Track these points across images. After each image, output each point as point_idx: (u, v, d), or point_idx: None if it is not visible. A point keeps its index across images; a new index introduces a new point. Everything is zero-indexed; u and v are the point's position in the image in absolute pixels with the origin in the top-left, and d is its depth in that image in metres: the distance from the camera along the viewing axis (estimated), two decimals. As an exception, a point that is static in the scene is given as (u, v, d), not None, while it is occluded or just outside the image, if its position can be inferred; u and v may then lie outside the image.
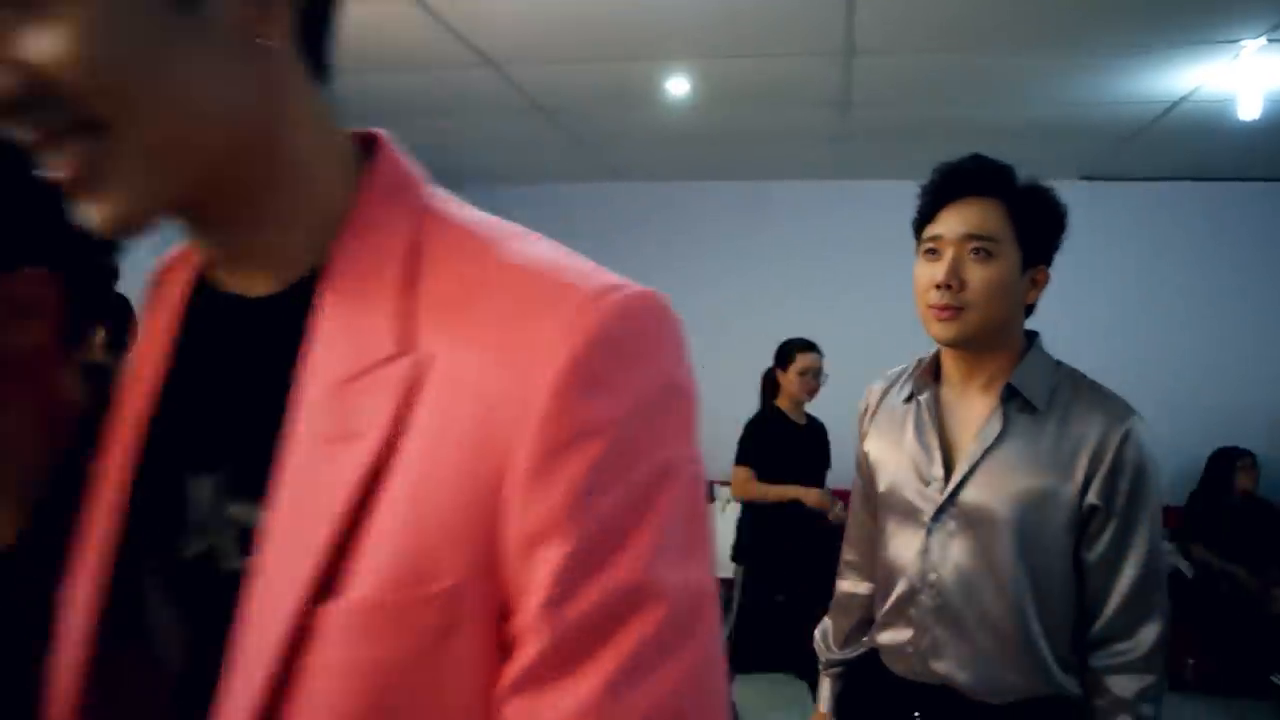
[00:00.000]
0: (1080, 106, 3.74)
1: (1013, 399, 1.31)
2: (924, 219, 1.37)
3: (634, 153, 4.82)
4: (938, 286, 1.29)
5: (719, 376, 5.25)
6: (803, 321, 5.20)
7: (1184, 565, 4.40)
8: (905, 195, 4.92)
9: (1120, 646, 1.25)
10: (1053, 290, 4.94)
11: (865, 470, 1.49)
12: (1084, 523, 1.26)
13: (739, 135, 4.29)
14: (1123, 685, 1.23)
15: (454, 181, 4.48)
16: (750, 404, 5.15)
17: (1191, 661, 4.17)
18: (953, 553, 1.30)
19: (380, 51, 3.22)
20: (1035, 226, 1.32)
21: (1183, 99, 3.56)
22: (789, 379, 3.45)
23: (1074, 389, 1.32)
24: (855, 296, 5.19)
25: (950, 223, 1.31)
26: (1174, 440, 4.83)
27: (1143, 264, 4.94)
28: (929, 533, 1.33)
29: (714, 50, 3.25)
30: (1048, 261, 1.36)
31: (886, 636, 1.39)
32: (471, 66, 3.38)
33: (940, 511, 1.32)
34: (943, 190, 1.34)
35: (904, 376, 1.47)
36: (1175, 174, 4.79)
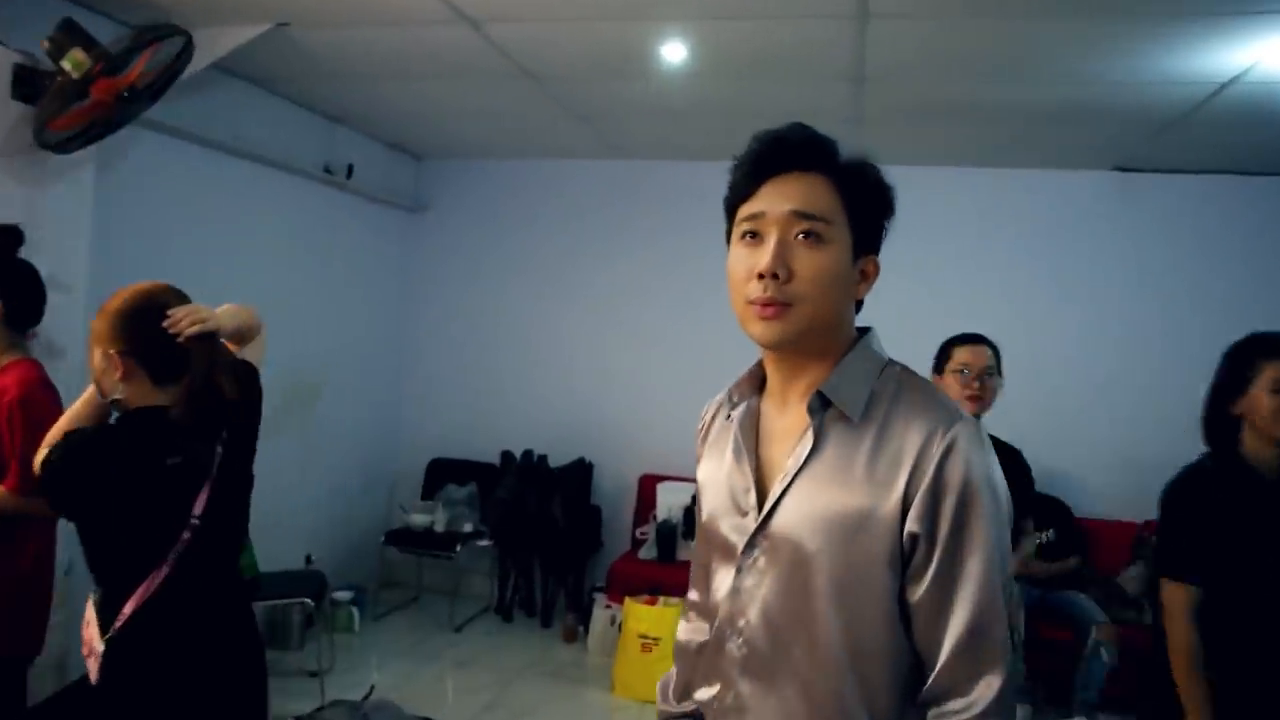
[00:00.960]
0: (1118, 86, 3.40)
1: (826, 409, 1.12)
2: (740, 195, 1.16)
3: (630, 128, 4.54)
4: (760, 276, 1.09)
5: (721, 366, 5.08)
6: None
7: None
8: (922, 182, 4.65)
9: (952, 706, 1.04)
10: (1079, 289, 4.61)
11: (698, 499, 1.31)
12: (906, 557, 1.06)
13: (743, 112, 3.99)
14: None
15: (442, 155, 4.27)
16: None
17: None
18: (762, 594, 1.12)
19: (353, 2, 2.96)
20: (867, 208, 1.15)
21: (1234, 79, 3.22)
22: (946, 382, 3.02)
23: (897, 393, 1.13)
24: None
25: (774, 199, 1.12)
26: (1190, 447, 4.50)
27: (1179, 264, 4.59)
28: (739, 570, 1.15)
29: (713, 9, 2.95)
30: (877, 250, 1.19)
31: (700, 692, 1.22)
32: (447, 23, 3.09)
33: (750, 545, 1.15)
34: (764, 161, 1.14)
35: (737, 419, 1.26)
36: (1220, 166, 4.42)
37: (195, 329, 1.72)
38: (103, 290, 2.15)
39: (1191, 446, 4.45)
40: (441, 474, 5.26)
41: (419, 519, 4.93)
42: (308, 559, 4.63)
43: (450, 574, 5.09)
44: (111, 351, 1.73)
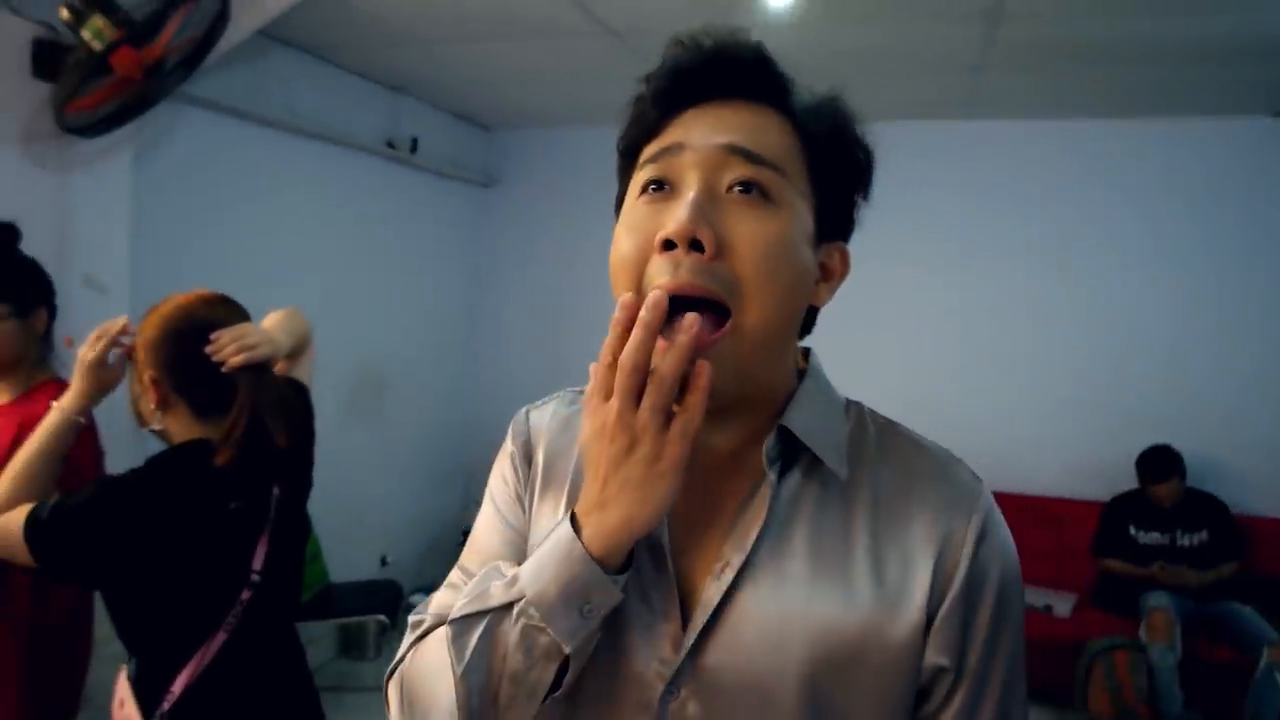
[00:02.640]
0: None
1: (789, 461, 0.74)
2: (644, 129, 0.76)
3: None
4: (667, 245, 0.68)
5: (823, 348, 4.66)
6: (928, 292, 4.49)
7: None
8: (1051, 137, 4.13)
9: None
10: (1232, 256, 3.99)
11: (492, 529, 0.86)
12: (922, 691, 0.71)
13: (857, 62, 3.53)
14: None
15: (513, 125, 3.87)
16: (863, 375, 4.44)
17: None
18: None
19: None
20: (837, 169, 0.76)
21: None
22: None
23: (880, 445, 0.77)
24: (988, 258, 4.40)
25: (698, 129, 0.72)
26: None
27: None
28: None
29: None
30: (846, 237, 0.79)
31: None
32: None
33: (673, 684, 0.71)
34: (688, 76, 0.74)
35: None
36: None
37: (242, 358, 1.44)
38: (146, 291, 1.85)
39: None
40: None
41: (496, 515, 4.64)
42: (383, 560, 4.40)
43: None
44: (147, 377, 1.46)
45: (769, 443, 0.73)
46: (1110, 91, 3.86)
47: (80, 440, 1.66)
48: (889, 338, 4.52)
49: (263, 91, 3.42)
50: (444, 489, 4.98)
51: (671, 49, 0.77)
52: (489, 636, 0.68)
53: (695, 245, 0.68)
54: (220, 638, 1.43)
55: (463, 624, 0.69)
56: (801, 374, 0.79)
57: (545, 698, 0.68)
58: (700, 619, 0.70)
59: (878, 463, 0.76)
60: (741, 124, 0.72)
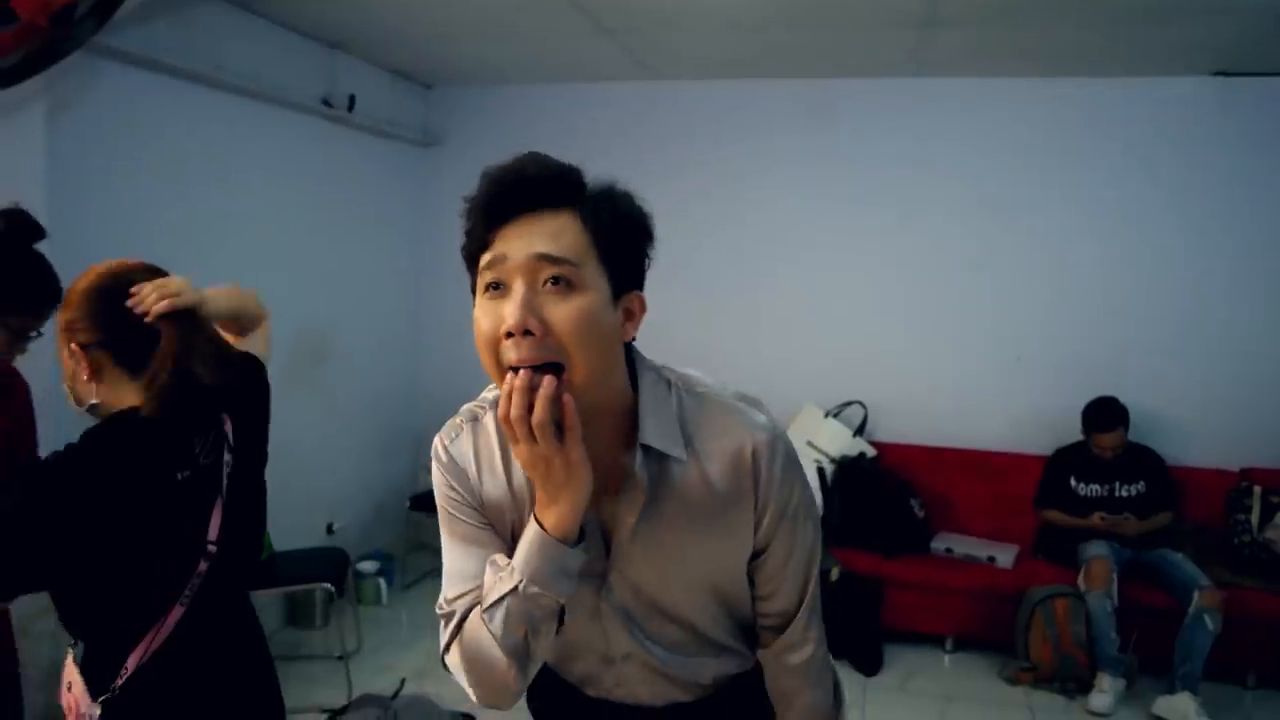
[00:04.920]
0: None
1: (647, 456, 1.09)
2: (478, 243, 1.05)
3: (665, 43, 4.03)
4: (509, 335, 0.98)
5: (765, 307, 4.67)
6: (872, 249, 4.50)
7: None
8: (997, 96, 4.15)
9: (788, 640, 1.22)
10: (1170, 211, 4.08)
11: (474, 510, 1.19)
12: (755, 553, 1.17)
13: (802, 18, 3.49)
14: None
15: (454, 82, 3.76)
16: (810, 333, 4.47)
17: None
18: (628, 607, 1.19)
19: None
20: (620, 241, 1.05)
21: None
22: None
23: (696, 417, 1.12)
24: (935, 216, 4.42)
25: (514, 242, 1.01)
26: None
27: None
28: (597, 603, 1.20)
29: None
30: (640, 284, 1.09)
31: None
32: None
33: (608, 589, 1.17)
34: (501, 201, 1.03)
35: (496, 435, 1.16)
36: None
37: (164, 305, 1.39)
38: (62, 260, 1.73)
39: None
40: (467, 431, 4.91)
41: (445, 481, 4.58)
42: (329, 528, 4.34)
43: (481, 537, 4.78)
44: (74, 346, 1.41)
45: (638, 458, 1.07)
46: (1054, 51, 3.88)
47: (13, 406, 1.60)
48: (834, 295, 4.54)
49: (189, 46, 3.27)
50: (391, 455, 4.91)
51: (483, 181, 1.04)
52: (509, 612, 1.05)
53: (527, 332, 0.97)
54: (177, 612, 1.38)
55: (490, 611, 1.06)
56: (634, 374, 1.11)
57: (556, 632, 1.08)
58: (614, 551, 1.13)
59: (696, 433, 1.11)
60: (545, 232, 1.00)
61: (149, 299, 1.39)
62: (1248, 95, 4.04)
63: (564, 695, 1.28)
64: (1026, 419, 4.34)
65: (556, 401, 0.96)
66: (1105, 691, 3.42)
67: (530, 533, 1.04)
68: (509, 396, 0.97)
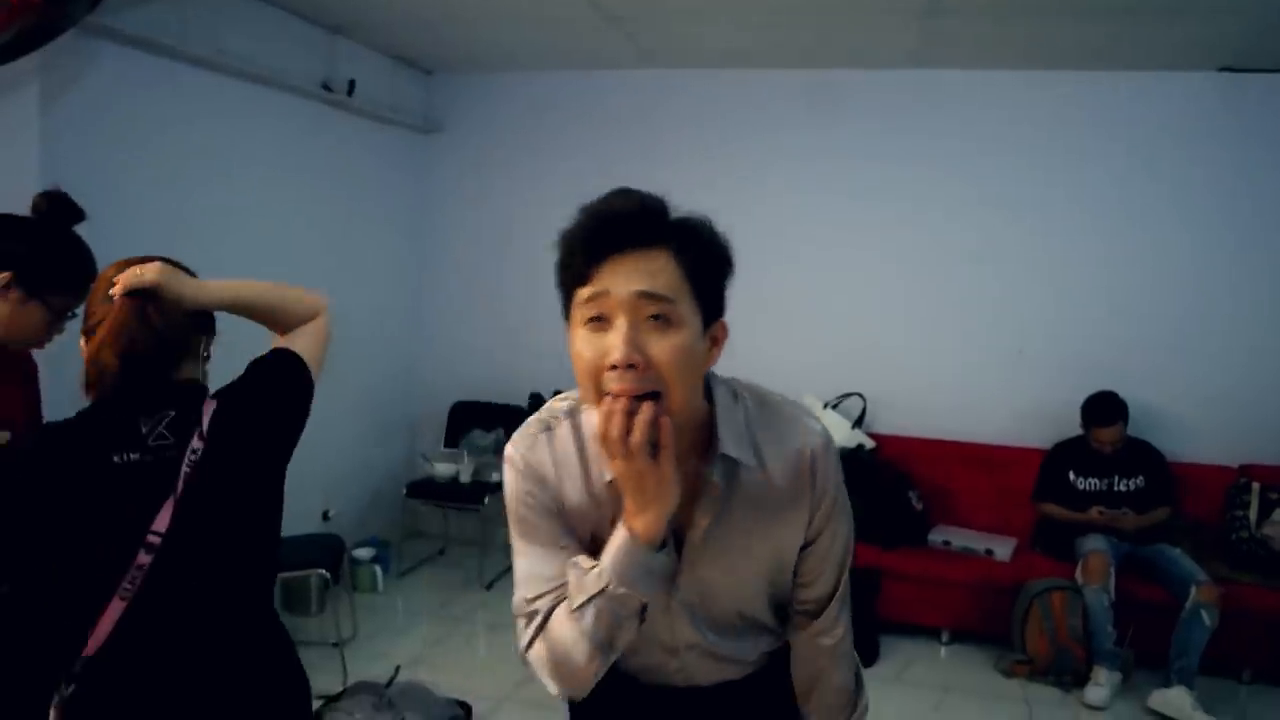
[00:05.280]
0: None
1: (724, 464, 1.19)
2: (577, 278, 1.11)
3: (669, 31, 4.00)
4: (614, 367, 1.07)
5: (779, 297, 4.63)
6: (875, 242, 4.48)
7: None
8: (998, 88, 4.11)
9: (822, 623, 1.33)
10: (1175, 207, 4.07)
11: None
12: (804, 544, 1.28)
13: (804, 7, 3.46)
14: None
15: (455, 68, 3.75)
16: (810, 325, 4.45)
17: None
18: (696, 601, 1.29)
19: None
20: (709, 275, 1.14)
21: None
22: None
23: (759, 426, 1.23)
24: (936, 209, 4.40)
25: (616, 280, 1.08)
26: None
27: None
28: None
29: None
30: (723, 311, 1.18)
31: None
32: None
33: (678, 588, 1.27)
34: (600, 240, 1.10)
35: (577, 436, 1.23)
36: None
37: (118, 289, 1.39)
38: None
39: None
40: (466, 419, 4.90)
41: (442, 469, 4.58)
42: (325, 515, 4.33)
43: (479, 526, 4.77)
44: (82, 332, 1.44)
45: (717, 469, 1.17)
46: (1059, 44, 3.85)
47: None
48: (835, 287, 4.52)
49: (187, 27, 3.24)
50: (387, 442, 4.90)
51: (581, 217, 1.12)
52: (598, 612, 1.13)
53: (631, 366, 1.06)
54: (116, 605, 1.30)
55: (580, 610, 1.14)
56: (710, 390, 1.20)
57: (637, 628, 1.17)
58: (686, 552, 1.21)
59: (760, 429, 1.22)
60: (645, 270, 1.08)
61: (118, 285, 1.39)
62: (1253, 91, 4.02)
63: (613, 687, 1.30)
64: (1027, 412, 4.33)
65: (653, 425, 1.05)
66: (1101, 685, 3.42)
67: (619, 538, 1.13)
68: (608, 418, 1.06)
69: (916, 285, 4.47)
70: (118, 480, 1.32)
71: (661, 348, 1.07)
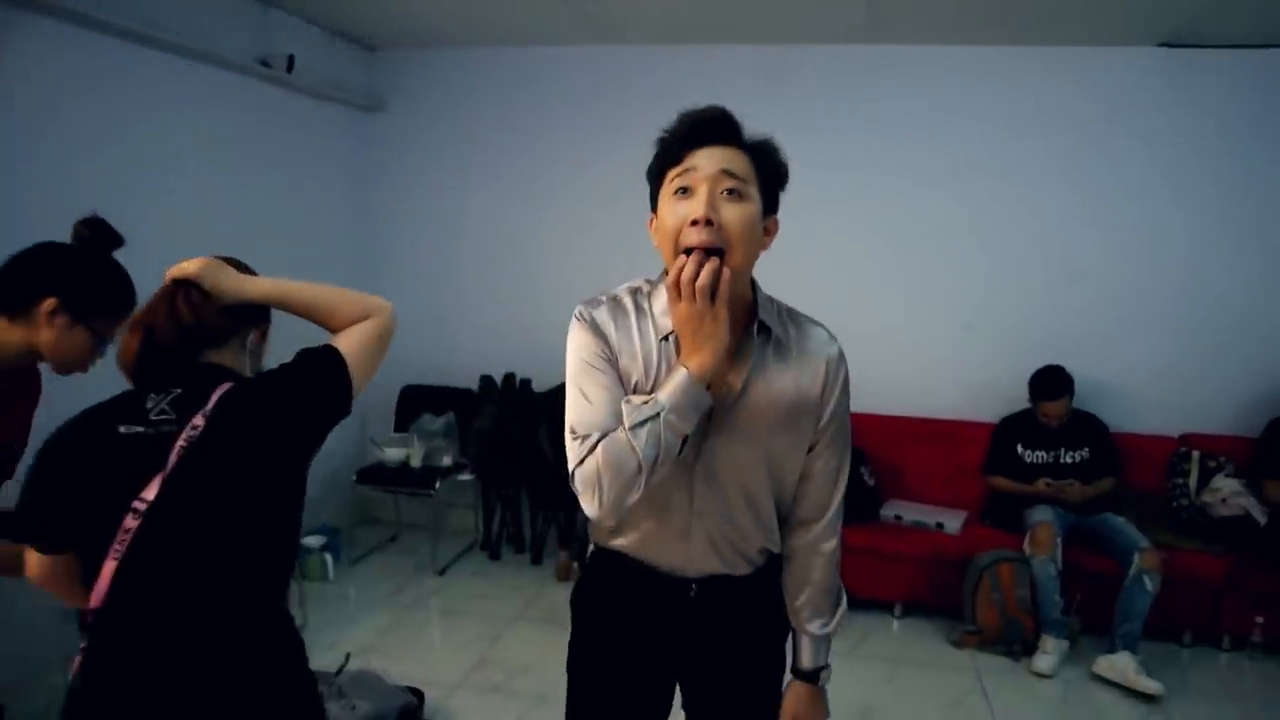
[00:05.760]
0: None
1: (761, 333, 1.47)
2: (671, 160, 1.43)
3: (622, 6, 3.94)
4: (695, 223, 1.36)
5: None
6: (824, 216, 4.47)
7: (1256, 509, 3.76)
8: (940, 63, 4.11)
9: (828, 518, 1.58)
10: (1116, 183, 4.11)
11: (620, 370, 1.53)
12: (816, 437, 1.53)
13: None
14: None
15: (398, 44, 3.65)
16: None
17: (1260, 620, 3.58)
18: (722, 445, 1.51)
19: None
20: (771, 176, 1.45)
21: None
22: None
23: (788, 319, 1.53)
24: (884, 184, 4.41)
25: (704, 161, 1.39)
26: (1254, 360, 4.14)
27: (1231, 151, 4.11)
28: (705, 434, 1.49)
29: None
30: (776, 211, 1.48)
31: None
32: None
33: (710, 432, 1.48)
34: (696, 131, 1.42)
35: (637, 306, 1.52)
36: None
37: (169, 275, 1.54)
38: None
39: (1237, 354, 4.13)
40: (415, 403, 4.82)
41: (393, 454, 4.50)
42: (272, 503, 4.22)
43: (430, 511, 4.71)
44: None
45: (757, 331, 1.46)
46: (1003, 19, 3.87)
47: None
48: (785, 266, 4.50)
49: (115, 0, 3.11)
50: (338, 427, 4.79)
51: (680, 118, 1.45)
52: (652, 431, 1.35)
53: (708, 223, 1.35)
54: (109, 566, 1.36)
55: (635, 430, 1.36)
56: (754, 286, 1.50)
57: (678, 456, 1.40)
58: (714, 420, 1.45)
59: (791, 326, 1.51)
60: (724, 158, 1.39)
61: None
62: (1192, 67, 4.08)
63: (628, 572, 1.56)
64: (976, 387, 4.38)
65: (716, 273, 1.31)
66: (1049, 653, 3.48)
67: (676, 374, 1.36)
68: (681, 268, 1.32)
69: (866, 262, 4.48)
70: (119, 449, 1.39)
71: (733, 213, 1.36)
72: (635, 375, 1.45)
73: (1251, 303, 4.14)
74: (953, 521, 4.01)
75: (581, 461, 1.39)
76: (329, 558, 4.27)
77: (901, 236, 4.43)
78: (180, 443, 1.38)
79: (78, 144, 3.08)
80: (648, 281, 1.55)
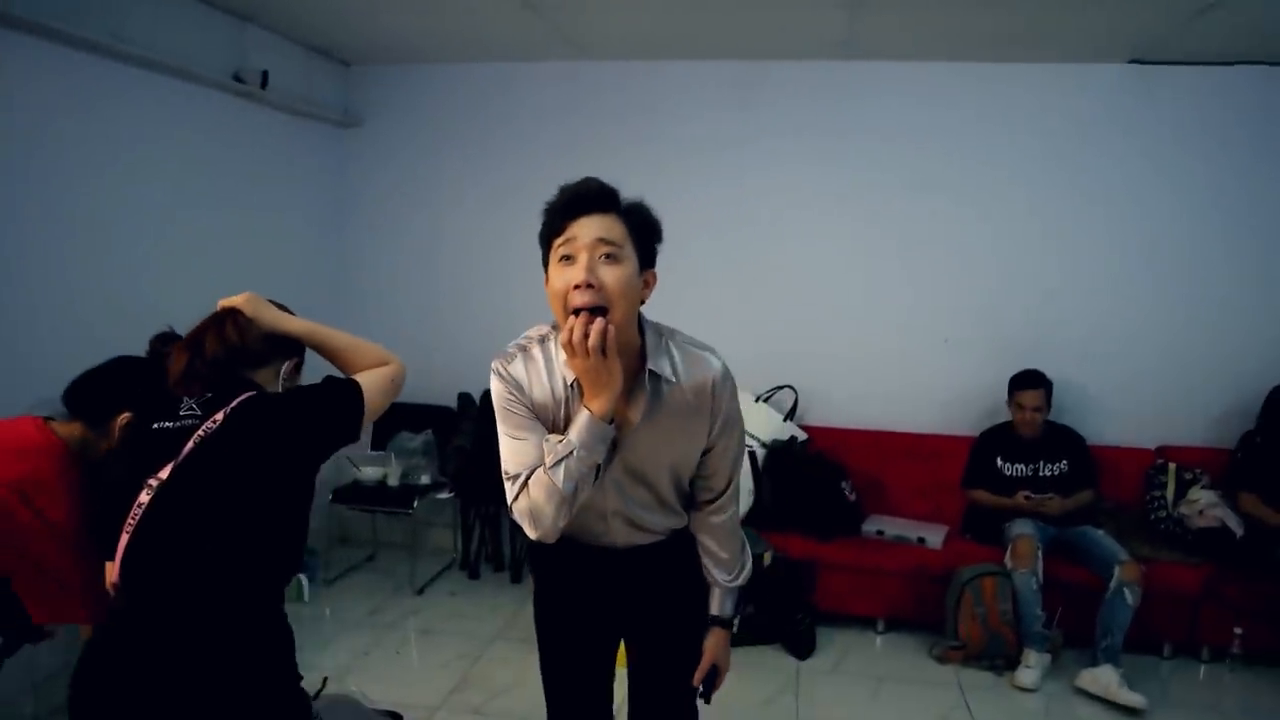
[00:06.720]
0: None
1: (652, 379, 1.66)
2: (555, 230, 1.60)
3: (590, 20, 3.93)
4: (578, 287, 1.53)
5: (695, 293, 4.61)
6: (805, 232, 4.49)
7: (1232, 520, 3.78)
8: (919, 79, 4.13)
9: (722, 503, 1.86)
10: (1089, 195, 4.14)
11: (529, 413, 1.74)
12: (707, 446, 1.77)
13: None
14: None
15: (374, 59, 3.65)
16: (739, 317, 4.41)
17: (1239, 632, 3.60)
18: (622, 477, 1.76)
19: None
20: (644, 236, 1.63)
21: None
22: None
23: (677, 354, 1.70)
24: (863, 200, 4.43)
25: (582, 231, 1.57)
26: (1228, 372, 4.18)
27: (1202, 165, 4.17)
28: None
29: None
30: (653, 265, 1.67)
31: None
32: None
33: (610, 464, 1.69)
34: (573, 205, 1.59)
35: (545, 355, 1.69)
36: (1250, 55, 3.98)
37: (220, 305, 1.79)
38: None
39: (1210, 368, 4.18)
40: (392, 421, 4.74)
41: (370, 472, 4.44)
42: (246, 524, 4.14)
43: (408, 529, 4.64)
44: None
45: (647, 380, 1.65)
46: (979, 36, 3.91)
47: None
48: (766, 282, 4.52)
49: (83, 12, 3.05)
50: (313, 448, 4.72)
51: (560, 194, 1.61)
52: (568, 466, 1.56)
53: (589, 285, 1.53)
54: (123, 539, 1.55)
55: (554, 469, 1.57)
56: (641, 329, 1.67)
57: (592, 483, 1.61)
58: (620, 441, 1.66)
59: (679, 355, 1.69)
60: (600, 226, 1.57)
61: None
62: (1162, 83, 4.14)
63: (563, 547, 1.74)
64: (955, 401, 4.39)
65: (603, 333, 1.49)
66: (1032, 667, 3.48)
67: (581, 416, 1.57)
68: (571, 329, 1.50)
69: (846, 277, 4.49)
70: (150, 441, 1.62)
71: (611, 275, 1.54)
72: (550, 415, 1.66)
73: (1223, 316, 4.19)
74: (934, 536, 4.01)
75: (516, 498, 1.62)
76: (304, 579, 4.20)
77: (879, 252, 4.45)
78: (198, 434, 1.58)
79: (49, 159, 3.03)
80: (553, 329, 1.70)
